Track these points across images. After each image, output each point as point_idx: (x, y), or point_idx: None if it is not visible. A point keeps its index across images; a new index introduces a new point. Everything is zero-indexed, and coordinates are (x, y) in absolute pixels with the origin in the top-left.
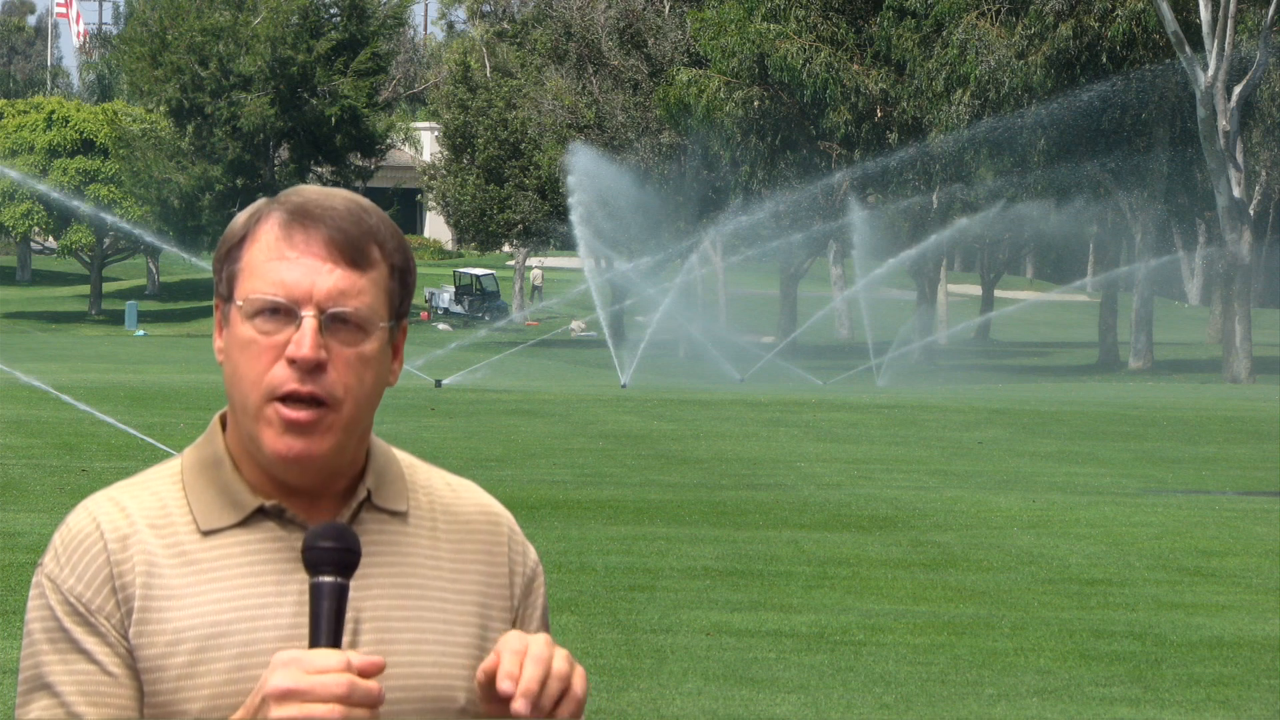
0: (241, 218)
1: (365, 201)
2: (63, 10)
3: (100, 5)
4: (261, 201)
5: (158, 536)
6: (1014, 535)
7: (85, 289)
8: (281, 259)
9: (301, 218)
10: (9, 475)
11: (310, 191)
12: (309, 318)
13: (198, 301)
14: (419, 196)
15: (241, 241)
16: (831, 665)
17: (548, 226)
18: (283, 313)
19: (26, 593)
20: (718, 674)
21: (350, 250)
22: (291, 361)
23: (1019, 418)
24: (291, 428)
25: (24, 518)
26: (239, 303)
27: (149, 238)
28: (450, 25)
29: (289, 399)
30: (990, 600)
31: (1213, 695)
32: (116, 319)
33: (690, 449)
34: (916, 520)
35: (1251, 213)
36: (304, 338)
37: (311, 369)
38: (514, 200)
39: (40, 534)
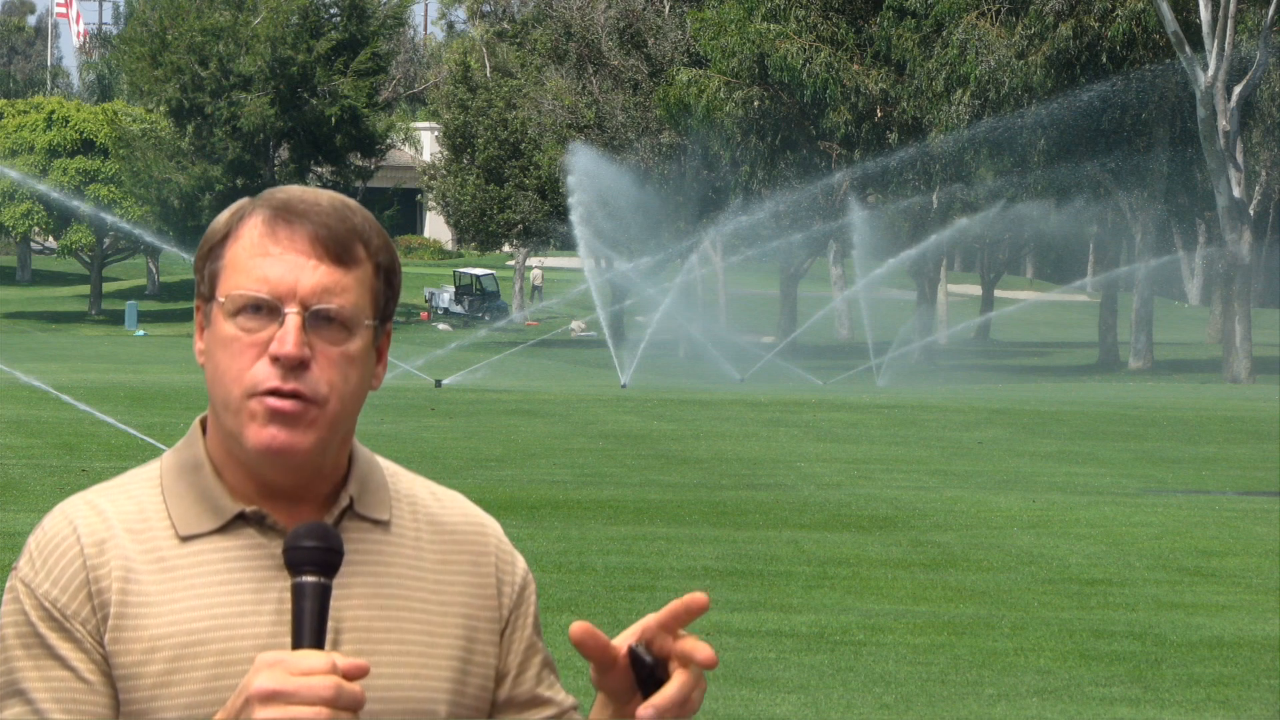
0: (223, 216)
1: (350, 200)
2: (63, 10)
3: (100, 5)
4: (244, 200)
5: (135, 541)
6: (1014, 535)
7: (85, 289)
8: (265, 255)
9: (286, 214)
10: (9, 475)
11: (294, 190)
12: (292, 314)
13: None
14: (419, 196)
15: (224, 240)
16: (831, 665)
17: (548, 226)
18: (265, 310)
19: None
20: (718, 674)
21: (335, 247)
22: (275, 359)
23: (1019, 418)
24: (276, 418)
25: (24, 518)
26: (220, 299)
27: (149, 238)
28: (450, 25)
29: (272, 395)
30: (990, 600)
31: (1213, 695)
32: (116, 319)
33: (690, 449)
34: (916, 520)
35: (1251, 213)
36: (287, 335)
37: (294, 366)
38: (514, 200)
39: None
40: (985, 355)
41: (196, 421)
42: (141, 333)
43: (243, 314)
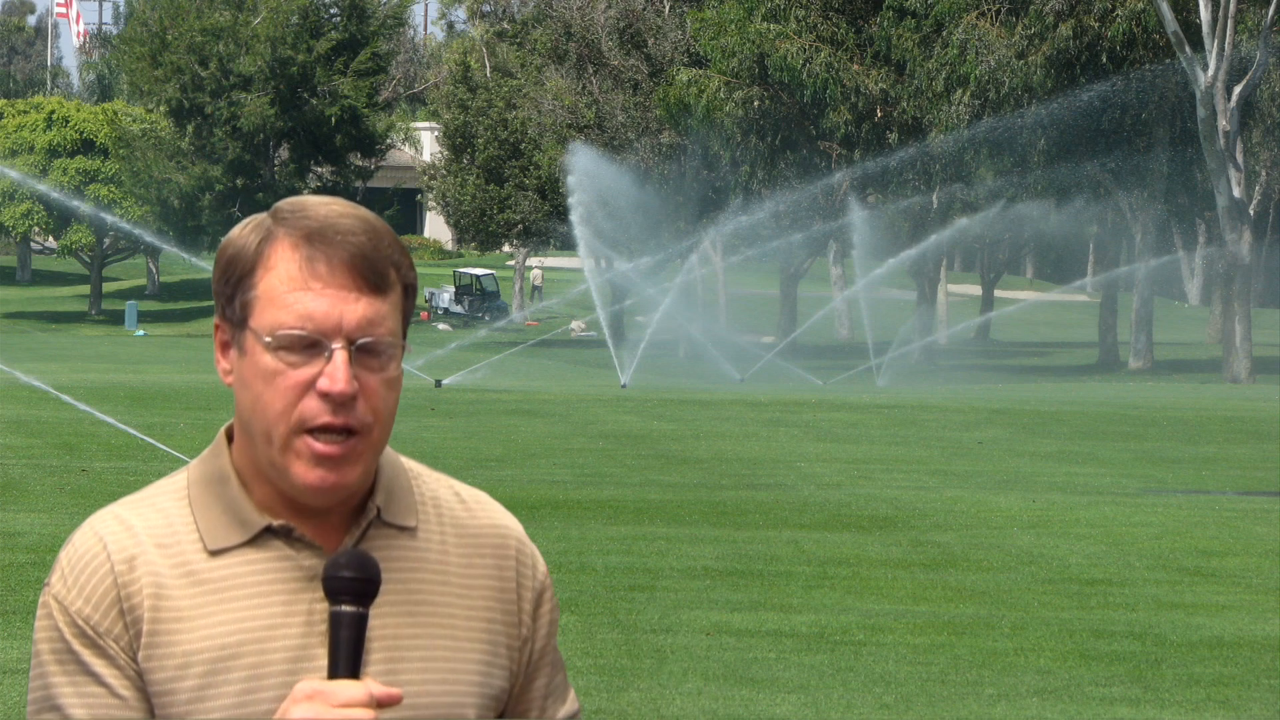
0: (249, 240)
1: (373, 218)
2: (63, 10)
3: (100, 5)
4: (264, 219)
5: (164, 556)
6: (1014, 535)
7: (85, 289)
8: (305, 289)
9: (322, 244)
10: (9, 475)
11: (318, 209)
12: (340, 350)
13: (198, 301)
14: (419, 196)
15: (254, 268)
16: (831, 665)
17: (548, 226)
18: (310, 344)
19: (26, 593)
20: (718, 674)
21: (373, 277)
22: (324, 395)
23: (1019, 418)
24: (324, 461)
25: (24, 518)
26: (267, 339)
27: (149, 238)
28: (450, 25)
29: (320, 431)
30: (990, 600)
31: (1213, 695)
32: (116, 319)
33: (690, 449)
34: (916, 520)
35: (1251, 213)
36: (337, 371)
37: (345, 401)
38: (514, 200)
39: (40, 534)
40: (985, 355)
41: (221, 432)
42: (141, 333)
43: (285, 349)
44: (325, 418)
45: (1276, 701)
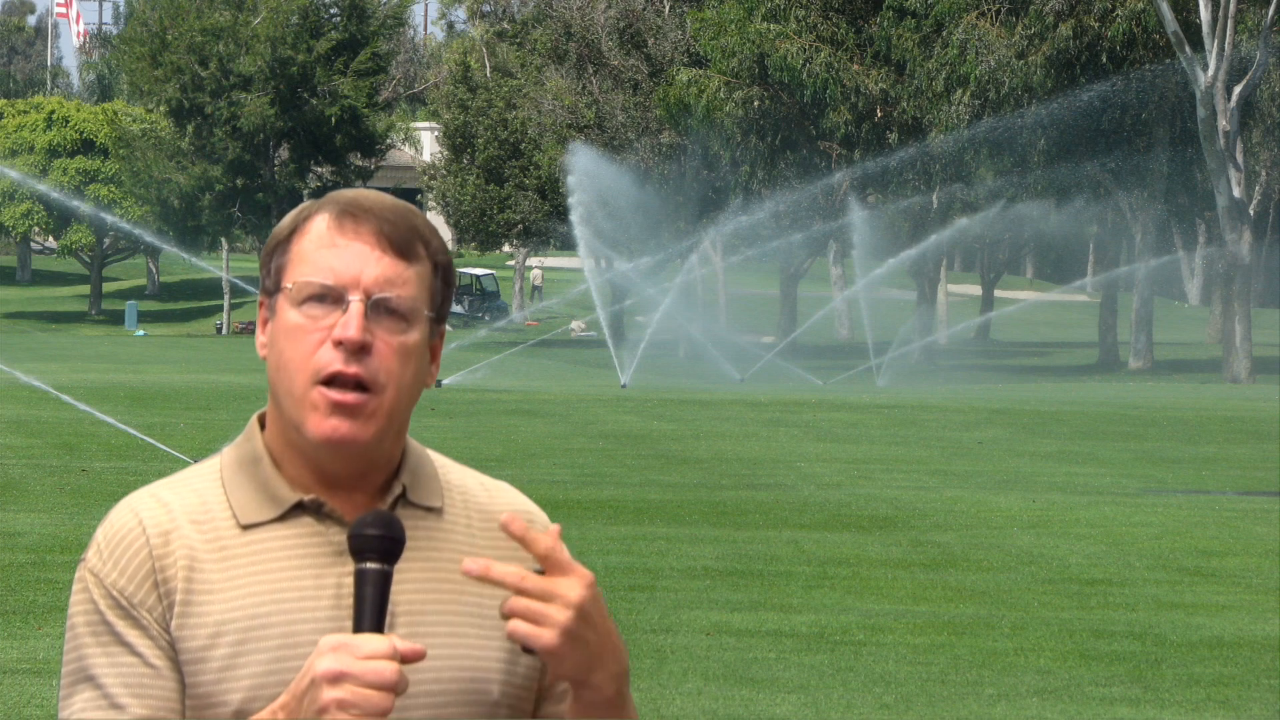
0: (289, 217)
1: (411, 205)
2: (63, 10)
3: (100, 5)
4: (309, 202)
5: (199, 532)
6: (1014, 535)
7: (85, 289)
8: (331, 246)
9: (353, 209)
10: (9, 475)
11: (360, 190)
12: (356, 301)
13: (198, 301)
14: (419, 196)
15: (290, 236)
16: (831, 665)
17: (548, 226)
18: (330, 298)
19: (26, 593)
20: (718, 674)
21: (398, 241)
22: (338, 343)
23: (1019, 418)
24: (337, 410)
25: (24, 518)
26: (288, 286)
27: (149, 238)
28: (450, 25)
29: (334, 381)
30: (990, 600)
31: (1213, 695)
32: (116, 319)
33: (690, 449)
34: (916, 520)
35: (1251, 213)
36: (351, 320)
37: (357, 350)
38: (514, 200)
39: (40, 534)
40: (985, 355)
41: (254, 417)
42: (141, 333)
43: (309, 302)
44: (337, 365)
45: (1276, 701)
